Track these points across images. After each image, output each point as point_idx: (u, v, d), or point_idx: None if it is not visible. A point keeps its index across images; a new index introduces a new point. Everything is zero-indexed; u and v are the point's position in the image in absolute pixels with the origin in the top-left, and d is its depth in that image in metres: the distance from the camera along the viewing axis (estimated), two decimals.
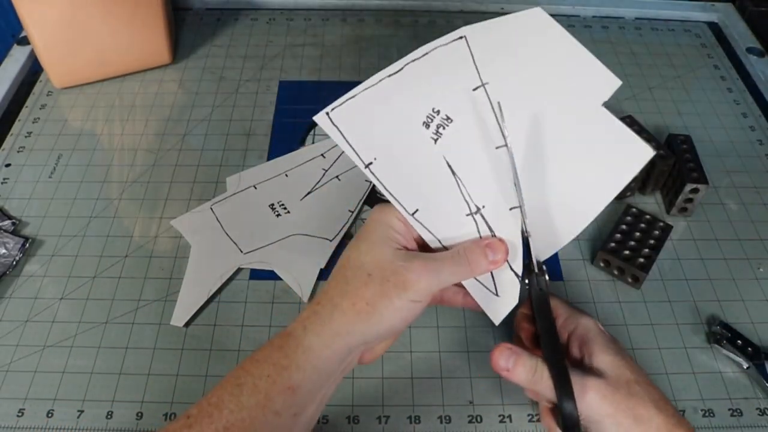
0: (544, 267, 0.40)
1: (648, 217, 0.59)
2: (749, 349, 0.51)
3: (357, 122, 0.40)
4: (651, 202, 0.62)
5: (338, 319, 0.36)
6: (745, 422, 0.48)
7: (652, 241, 0.57)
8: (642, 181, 0.61)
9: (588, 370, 0.39)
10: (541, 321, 0.39)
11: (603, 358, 0.39)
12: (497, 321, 0.40)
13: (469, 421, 0.48)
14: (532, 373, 0.37)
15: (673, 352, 0.52)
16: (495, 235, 0.40)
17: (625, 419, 0.37)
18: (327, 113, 0.40)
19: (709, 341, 0.52)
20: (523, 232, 0.39)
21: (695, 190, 0.58)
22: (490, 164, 0.40)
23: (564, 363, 0.37)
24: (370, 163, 0.39)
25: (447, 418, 0.48)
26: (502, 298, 0.39)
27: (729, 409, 0.49)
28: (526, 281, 0.40)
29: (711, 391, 0.50)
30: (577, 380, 0.37)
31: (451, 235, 0.40)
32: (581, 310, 0.43)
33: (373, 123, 0.40)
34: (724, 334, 0.51)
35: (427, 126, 0.40)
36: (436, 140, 0.40)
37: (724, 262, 0.58)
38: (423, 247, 0.41)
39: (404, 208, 0.39)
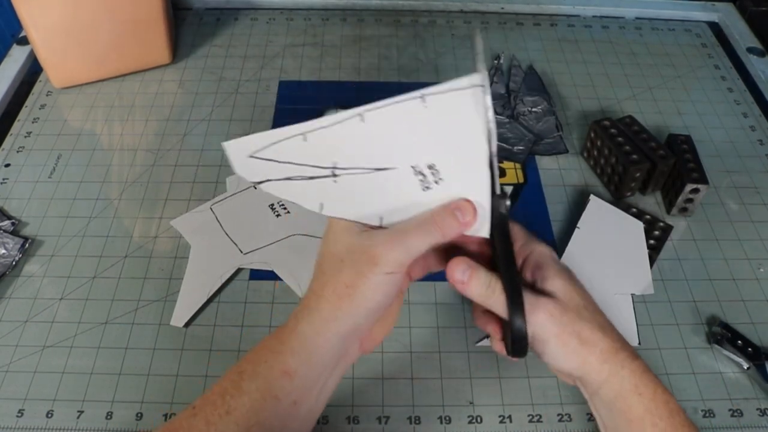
0: (506, 191, 0.40)
1: (648, 217, 0.59)
2: (749, 349, 0.50)
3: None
4: (651, 202, 0.62)
5: (324, 306, 0.37)
6: (746, 422, 0.48)
7: (652, 241, 0.57)
8: (642, 182, 0.61)
9: (540, 292, 0.40)
10: (499, 241, 0.40)
11: (555, 282, 0.40)
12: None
13: (469, 422, 0.48)
14: (486, 287, 0.38)
15: (673, 353, 0.52)
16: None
17: (571, 340, 0.38)
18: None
19: (709, 341, 0.52)
20: (490, 157, 0.39)
21: (695, 190, 0.58)
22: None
23: (518, 280, 0.38)
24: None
25: (447, 418, 0.48)
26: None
27: (729, 410, 0.49)
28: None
29: (711, 392, 0.50)
30: (528, 298, 0.38)
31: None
32: (538, 238, 0.44)
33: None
34: (724, 335, 0.51)
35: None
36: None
37: (725, 262, 0.58)
38: None
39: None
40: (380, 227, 0.39)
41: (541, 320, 0.38)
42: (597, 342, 0.38)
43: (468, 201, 0.39)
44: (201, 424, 0.35)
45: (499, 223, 0.40)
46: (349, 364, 0.40)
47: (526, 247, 0.42)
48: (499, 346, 0.41)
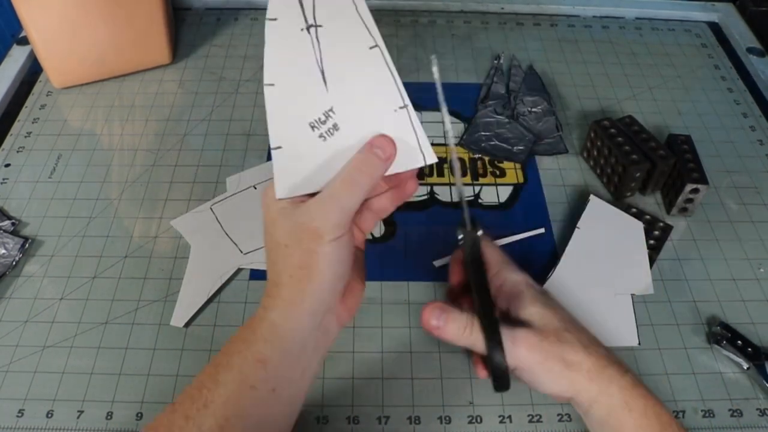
0: (478, 223, 0.40)
1: (648, 217, 0.59)
2: (749, 349, 0.50)
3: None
4: (651, 202, 0.62)
5: (286, 293, 0.37)
6: (745, 423, 0.48)
7: (652, 241, 0.57)
8: (642, 182, 0.61)
9: (516, 322, 0.40)
10: (473, 276, 0.40)
11: (531, 310, 0.40)
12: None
13: (469, 422, 0.48)
14: (463, 329, 0.39)
15: (673, 353, 0.52)
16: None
17: (556, 365, 0.38)
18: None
19: (709, 342, 0.52)
20: (460, 195, 0.39)
21: (695, 190, 0.58)
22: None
23: (494, 316, 0.38)
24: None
25: (447, 418, 0.48)
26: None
27: (729, 410, 0.49)
28: (461, 236, 0.41)
29: (711, 392, 0.50)
30: (506, 332, 0.38)
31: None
32: (513, 263, 0.44)
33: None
34: (724, 335, 0.51)
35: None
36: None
37: (725, 262, 0.58)
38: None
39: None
40: (314, 194, 0.38)
41: (523, 352, 0.38)
42: (582, 362, 0.38)
43: (382, 135, 0.38)
44: (180, 419, 0.35)
45: (471, 256, 0.40)
46: (330, 341, 0.40)
47: (499, 276, 0.43)
48: (480, 371, 0.42)
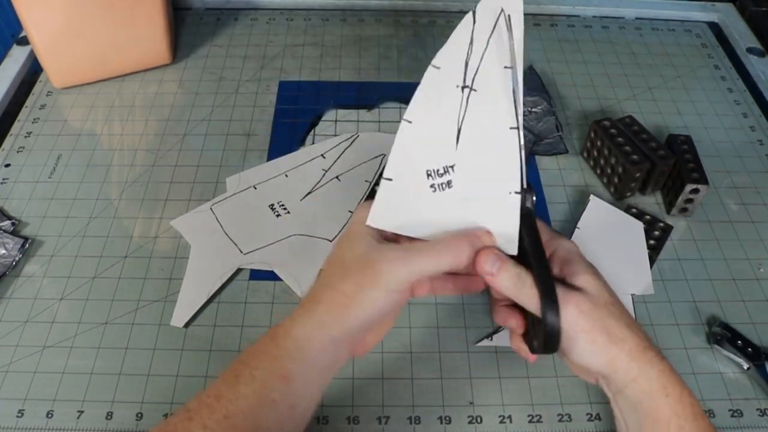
0: (532, 186, 0.40)
1: (648, 217, 0.59)
2: (749, 349, 0.50)
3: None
4: (651, 203, 0.62)
5: (320, 311, 0.37)
6: (746, 423, 0.48)
7: (652, 242, 0.57)
8: (642, 182, 0.61)
9: (569, 286, 0.39)
10: (527, 236, 0.39)
11: (585, 278, 0.39)
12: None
13: (469, 422, 0.48)
14: (516, 279, 0.37)
15: (673, 353, 0.52)
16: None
17: (600, 336, 0.37)
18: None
19: (709, 342, 0.52)
20: (519, 142, 0.39)
21: (695, 191, 0.58)
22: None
23: (550, 277, 0.37)
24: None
25: (447, 418, 0.48)
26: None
27: (729, 410, 0.49)
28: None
29: (711, 392, 0.50)
30: (559, 293, 0.37)
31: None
32: (562, 233, 0.43)
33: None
34: (724, 335, 0.51)
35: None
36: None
37: (725, 262, 0.58)
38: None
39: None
40: (414, 239, 0.39)
41: (572, 316, 0.37)
42: (626, 339, 0.37)
43: (488, 233, 0.39)
44: (197, 428, 0.34)
45: (525, 217, 0.39)
46: (338, 367, 0.39)
47: (552, 242, 0.42)
48: (518, 342, 0.40)
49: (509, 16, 0.38)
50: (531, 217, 0.39)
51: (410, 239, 0.41)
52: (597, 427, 0.48)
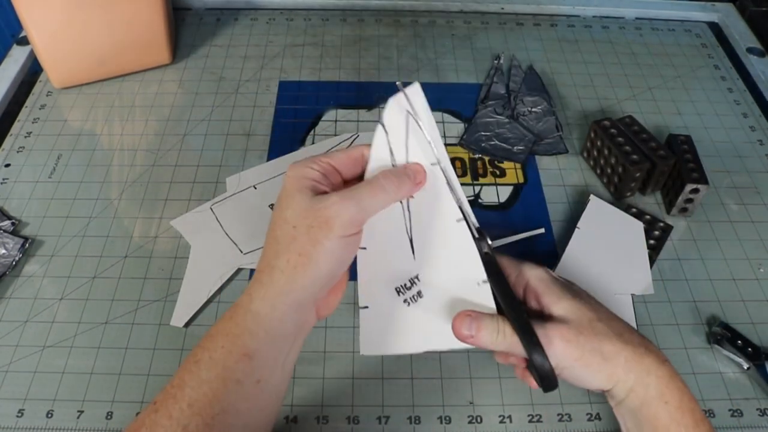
0: (484, 231, 0.41)
1: (648, 217, 0.59)
2: (749, 349, 0.50)
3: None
4: (651, 202, 0.62)
5: (278, 279, 0.36)
6: (746, 423, 0.48)
7: (652, 242, 0.57)
8: (642, 182, 0.61)
9: (549, 319, 0.40)
10: (494, 283, 0.40)
11: (561, 305, 0.40)
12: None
13: (469, 422, 0.48)
14: (496, 333, 0.38)
15: (673, 353, 0.52)
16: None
17: (593, 358, 0.38)
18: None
19: (709, 342, 0.52)
20: (456, 202, 0.40)
21: (695, 191, 0.58)
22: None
23: (525, 317, 0.38)
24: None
25: (447, 418, 0.48)
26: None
27: (729, 410, 0.49)
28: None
29: (711, 392, 0.50)
30: (540, 331, 0.38)
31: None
32: (528, 262, 0.43)
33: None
34: (724, 335, 0.51)
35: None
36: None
37: (725, 262, 0.58)
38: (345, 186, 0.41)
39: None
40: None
41: (560, 349, 0.37)
42: (619, 352, 0.38)
43: (419, 165, 0.39)
44: (164, 419, 0.34)
45: (488, 264, 0.40)
46: (307, 332, 0.39)
47: (521, 276, 0.42)
48: (523, 375, 0.41)
49: (416, 113, 0.39)
50: (493, 263, 0.40)
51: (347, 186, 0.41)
52: (597, 427, 0.48)
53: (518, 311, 0.38)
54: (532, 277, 0.42)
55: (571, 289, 0.41)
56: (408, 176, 0.38)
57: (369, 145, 0.40)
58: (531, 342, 0.37)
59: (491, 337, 0.38)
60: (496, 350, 0.39)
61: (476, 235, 0.40)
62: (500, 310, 0.39)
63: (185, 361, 0.36)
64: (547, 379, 0.37)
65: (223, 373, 0.35)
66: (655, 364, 0.38)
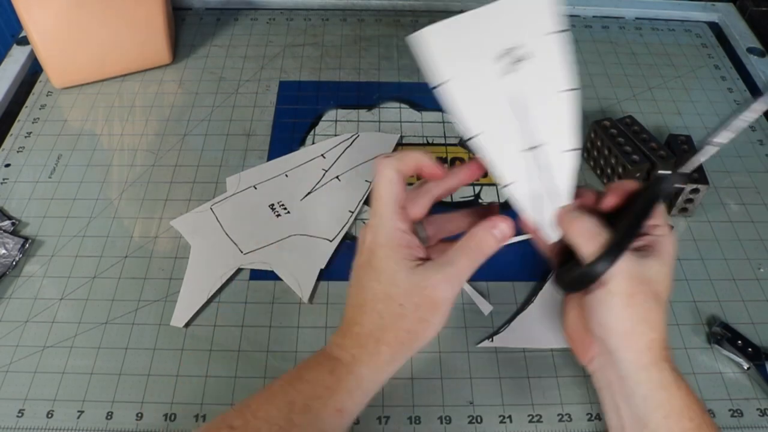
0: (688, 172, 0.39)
1: None
2: (749, 349, 0.50)
3: (442, 45, 0.41)
4: None
5: (385, 351, 0.37)
6: (746, 423, 0.48)
7: None
8: (642, 182, 0.61)
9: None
10: (639, 208, 0.38)
11: (660, 263, 0.38)
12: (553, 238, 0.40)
13: (469, 422, 0.48)
14: (595, 226, 0.37)
15: (673, 353, 0.52)
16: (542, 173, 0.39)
17: (639, 307, 0.36)
18: (422, 33, 0.40)
19: (709, 342, 0.52)
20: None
21: (695, 190, 0.58)
22: (550, 107, 0.40)
23: (631, 237, 0.37)
24: (445, 83, 0.40)
25: (447, 418, 0.48)
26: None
27: (729, 410, 0.49)
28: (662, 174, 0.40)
29: (711, 392, 0.50)
30: (628, 254, 0.36)
31: (503, 168, 0.40)
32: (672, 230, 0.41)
33: (453, 49, 0.41)
34: (724, 335, 0.51)
35: (499, 60, 0.40)
36: (505, 75, 0.40)
37: (725, 262, 0.58)
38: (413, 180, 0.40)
39: (469, 130, 0.39)
40: (427, 259, 0.39)
41: (625, 272, 0.36)
42: (655, 329, 0.36)
43: (502, 218, 0.39)
44: None
45: (650, 192, 0.38)
46: None
47: (655, 231, 0.40)
48: (543, 245, 0.41)
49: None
50: (654, 197, 0.38)
51: (437, 242, 0.41)
52: (597, 427, 0.48)
53: (632, 229, 0.37)
54: (667, 239, 0.39)
55: (671, 271, 0.39)
56: (494, 238, 0.38)
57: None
58: (620, 244, 0.36)
59: (589, 225, 0.37)
60: (576, 234, 0.38)
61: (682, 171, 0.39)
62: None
63: (271, 395, 0.37)
64: (582, 283, 0.37)
65: (315, 422, 0.35)
66: (668, 360, 0.37)
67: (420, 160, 0.39)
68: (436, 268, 0.37)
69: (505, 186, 0.40)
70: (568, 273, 0.38)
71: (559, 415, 0.48)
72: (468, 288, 0.54)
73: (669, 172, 0.39)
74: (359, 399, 0.37)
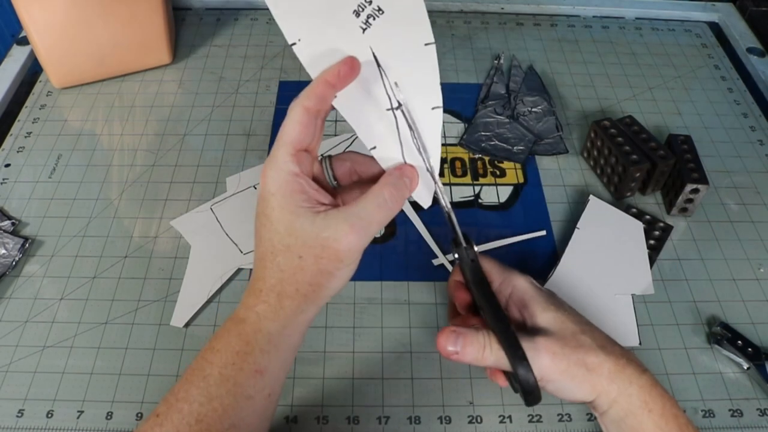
0: (470, 238, 0.40)
1: (648, 217, 0.59)
2: (749, 349, 0.50)
3: (294, 1, 0.39)
4: (651, 203, 0.62)
5: (288, 305, 0.36)
6: (746, 423, 0.48)
7: (652, 242, 0.57)
8: (642, 182, 0.61)
9: (532, 331, 0.39)
10: (479, 293, 0.39)
11: (545, 316, 0.39)
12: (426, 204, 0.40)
13: (469, 422, 0.48)
14: (482, 349, 0.37)
15: (673, 353, 0.52)
16: (414, 132, 0.38)
17: (578, 371, 0.37)
18: None
19: (709, 342, 0.52)
20: (445, 209, 0.39)
21: (695, 191, 0.58)
22: (416, 61, 0.38)
23: (511, 330, 0.37)
24: (294, 43, 0.38)
25: (447, 418, 0.48)
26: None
27: (729, 410, 0.49)
28: (455, 255, 0.41)
29: (711, 392, 0.50)
30: (527, 344, 0.37)
31: (370, 128, 0.38)
32: (513, 269, 0.43)
33: (306, 3, 0.39)
34: (724, 335, 0.51)
35: (357, 14, 0.38)
36: (364, 30, 0.38)
37: (725, 262, 0.58)
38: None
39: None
40: (332, 205, 0.37)
41: (546, 362, 0.37)
42: (602, 363, 0.38)
43: (411, 166, 0.38)
44: None
45: (473, 273, 0.39)
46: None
47: (505, 284, 0.42)
48: (492, 374, 0.41)
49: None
50: (479, 271, 0.39)
51: (340, 190, 0.39)
52: (597, 427, 0.47)
53: (504, 324, 0.38)
54: (517, 286, 0.42)
55: (554, 299, 0.41)
56: (406, 187, 0.37)
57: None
58: (517, 356, 0.37)
59: (477, 353, 0.37)
60: (480, 365, 0.38)
61: (463, 243, 0.39)
62: (475, 314, 0.39)
63: (190, 374, 0.36)
64: (532, 394, 0.37)
65: (235, 389, 0.35)
66: (636, 374, 0.38)
67: (324, 78, 0.35)
68: (342, 216, 0.35)
69: (371, 149, 0.38)
70: (520, 393, 0.39)
71: (559, 415, 0.48)
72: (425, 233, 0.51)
73: (461, 246, 0.40)
74: (277, 355, 0.36)
